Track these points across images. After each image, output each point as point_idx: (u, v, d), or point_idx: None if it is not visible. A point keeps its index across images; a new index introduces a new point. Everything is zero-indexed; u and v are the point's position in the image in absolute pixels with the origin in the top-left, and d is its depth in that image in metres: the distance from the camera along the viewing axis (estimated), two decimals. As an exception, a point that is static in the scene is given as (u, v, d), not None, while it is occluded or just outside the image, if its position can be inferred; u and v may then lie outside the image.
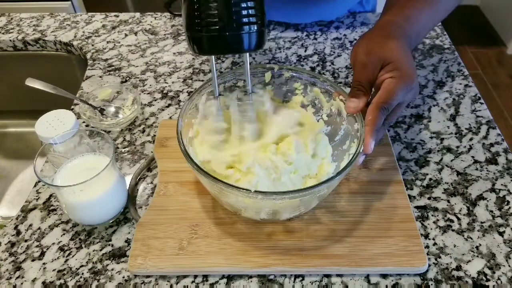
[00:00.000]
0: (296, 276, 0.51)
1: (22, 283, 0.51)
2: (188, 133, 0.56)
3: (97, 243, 0.54)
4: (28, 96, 0.90)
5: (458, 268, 0.52)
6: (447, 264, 0.52)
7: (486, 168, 0.63)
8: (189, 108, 0.56)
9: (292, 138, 0.56)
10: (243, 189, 0.45)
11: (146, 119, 0.72)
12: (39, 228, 0.56)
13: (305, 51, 0.87)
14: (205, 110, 0.57)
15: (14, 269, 0.52)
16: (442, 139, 0.68)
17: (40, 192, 0.61)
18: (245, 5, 0.45)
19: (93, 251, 0.54)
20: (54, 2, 1.75)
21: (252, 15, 0.45)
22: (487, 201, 0.59)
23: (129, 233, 0.56)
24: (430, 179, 0.62)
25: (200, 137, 0.57)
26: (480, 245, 0.54)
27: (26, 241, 0.55)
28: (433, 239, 0.54)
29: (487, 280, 0.50)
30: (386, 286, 0.50)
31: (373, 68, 0.54)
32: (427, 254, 0.53)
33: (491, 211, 0.57)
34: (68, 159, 0.55)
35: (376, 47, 0.55)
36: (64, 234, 0.56)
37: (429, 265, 0.52)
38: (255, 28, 0.46)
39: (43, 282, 0.51)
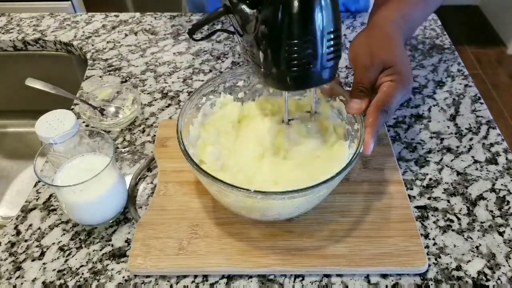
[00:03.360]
0: (296, 276, 0.51)
1: (22, 283, 0.51)
2: (188, 133, 0.56)
3: (97, 243, 0.54)
4: (28, 96, 0.91)
5: (458, 268, 0.52)
6: (447, 264, 0.52)
7: (486, 168, 0.63)
8: (189, 108, 0.56)
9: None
10: (242, 189, 0.45)
11: (146, 119, 0.72)
12: (39, 228, 0.56)
13: (305, 51, 0.86)
14: None
15: (14, 269, 0.52)
16: (442, 139, 0.68)
17: (40, 192, 0.61)
18: (332, 36, 0.45)
19: (93, 251, 0.54)
20: (54, 2, 1.75)
21: (336, 45, 0.45)
22: (487, 201, 0.59)
23: (129, 233, 0.56)
24: (430, 179, 0.62)
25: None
26: (480, 245, 0.54)
27: (26, 241, 0.55)
28: (433, 239, 0.54)
29: (487, 280, 0.50)
30: (386, 286, 0.50)
31: (375, 71, 0.54)
32: (427, 254, 0.53)
33: (491, 211, 0.57)
34: (68, 159, 0.55)
35: (379, 50, 0.55)
36: (64, 234, 0.56)
37: (429, 265, 0.52)
38: (338, 59, 0.47)
39: (43, 282, 0.51)
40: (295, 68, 0.45)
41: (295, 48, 0.44)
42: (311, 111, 0.58)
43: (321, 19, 0.43)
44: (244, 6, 0.45)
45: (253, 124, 0.60)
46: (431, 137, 0.68)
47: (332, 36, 0.45)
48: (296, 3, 0.42)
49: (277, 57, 0.45)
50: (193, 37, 0.52)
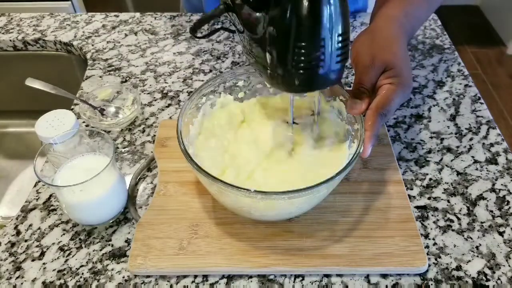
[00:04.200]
0: (296, 276, 0.51)
1: (22, 283, 0.51)
2: (188, 133, 0.56)
3: (97, 243, 0.54)
4: (28, 96, 0.90)
5: (458, 268, 0.52)
6: (447, 264, 0.52)
7: (486, 168, 0.63)
8: (189, 108, 0.56)
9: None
10: (242, 188, 0.45)
11: (146, 119, 0.72)
12: (39, 228, 0.56)
13: (305, 51, 0.86)
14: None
15: (14, 269, 0.52)
16: (442, 139, 0.68)
17: (40, 192, 0.61)
18: (341, 39, 0.44)
19: (93, 251, 0.54)
20: (54, 2, 1.75)
21: (345, 47, 0.45)
22: (487, 201, 0.59)
23: (129, 233, 0.56)
24: (430, 179, 0.62)
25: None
26: (480, 245, 0.54)
27: (26, 241, 0.55)
28: (433, 239, 0.54)
29: (487, 280, 0.50)
30: (386, 286, 0.50)
31: (376, 71, 0.54)
32: (427, 254, 0.53)
33: (491, 211, 0.57)
34: (68, 159, 0.55)
35: (380, 51, 0.55)
36: (64, 234, 0.56)
37: (429, 265, 0.52)
38: (345, 61, 0.46)
39: (43, 282, 0.51)
40: (302, 71, 0.44)
41: (304, 50, 0.43)
42: (314, 112, 0.57)
43: (330, 21, 0.42)
44: (248, 8, 0.45)
45: (254, 124, 0.60)
46: (431, 137, 0.68)
47: (341, 39, 0.44)
48: (305, 5, 0.41)
49: (285, 59, 0.44)
50: (194, 35, 0.52)
